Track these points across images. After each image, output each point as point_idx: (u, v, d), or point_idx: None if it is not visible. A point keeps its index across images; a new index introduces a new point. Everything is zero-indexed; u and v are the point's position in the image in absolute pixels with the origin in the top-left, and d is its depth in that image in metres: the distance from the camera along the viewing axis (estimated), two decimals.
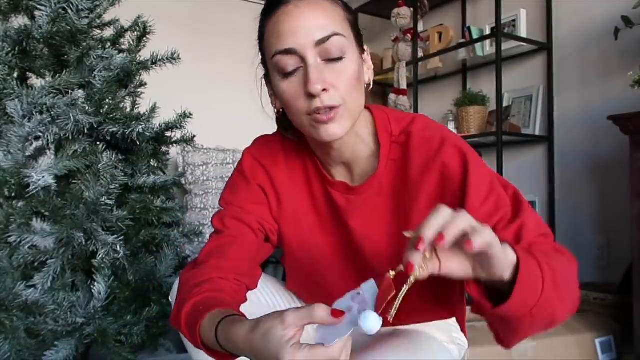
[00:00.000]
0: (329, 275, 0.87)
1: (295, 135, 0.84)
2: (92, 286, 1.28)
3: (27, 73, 1.45)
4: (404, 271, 0.52)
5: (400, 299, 0.52)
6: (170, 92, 1.87)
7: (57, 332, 1.25)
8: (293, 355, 0.50)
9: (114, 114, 1.37)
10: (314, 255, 0.86)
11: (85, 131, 1.33)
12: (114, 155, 1.32)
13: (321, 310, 0.52)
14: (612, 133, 1.72)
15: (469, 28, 2.53)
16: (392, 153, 0.79)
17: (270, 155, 0.87)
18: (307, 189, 0.85)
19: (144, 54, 1.53)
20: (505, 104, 2.45)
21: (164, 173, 1.57)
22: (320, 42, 0.69)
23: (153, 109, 1.52)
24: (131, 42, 1.56)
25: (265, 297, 0.92)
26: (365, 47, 0.80)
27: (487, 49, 2.53)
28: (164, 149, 1.61)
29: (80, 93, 1.34)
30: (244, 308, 0.73)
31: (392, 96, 2.71)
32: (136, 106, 1.59)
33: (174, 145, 1.64)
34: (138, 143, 1.42)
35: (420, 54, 2.70)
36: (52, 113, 1.28)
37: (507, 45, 2.35)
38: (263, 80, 0.82)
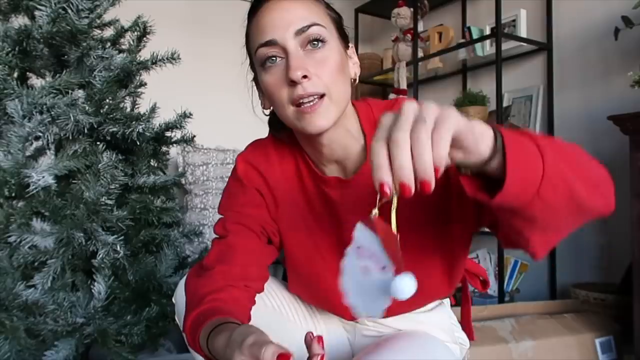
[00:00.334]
0: (328, 277, 0.86)
1: (286, 136, 0.85)
2: (92, 286, 1.28)
3: (27, 73, 1.45)
4: (380, 194, 0.48)
5: (395, 211, 0.49)
6: (170, 92, 1.87)
7: (57, 332, 1.25)
8: None
9: (114, 114, 1.37)
10: (312, 256, 0.86)
11: (85, 131, 1.33)
12: (114, 155, 1.32)
13: (268, 353, 0.53)
14: (612, 133, 1.72)
15: (469, 28, 2.53)
16: None
17: (263, 158, 0.87)
18: (301, 189, 0.85)
19: (144, 54, 1.53)
20: (505, 104, 2.44)
21: (164, 173, 1.57)
22: (300, 31, 0.70)
23: (153, 109, 1.52)
24: (131, 42, 1.56)
25: (270, 300, 0.92)
26: (350, 45, 0.80)
27: (487, 49, 2.53)
28: (164, 149, 1.61)
29: (80, 93, 1.34)
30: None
31: (392, 96, 2.71)
32: (136, 106, 1.59)
33: (174, 145, 1.64)
34: (138, 143, 1.42)
35: (420, 54, 2.70)
36: (52, 113, 1.28)
37: (507, 45, 2.35)
38: (253, 83, 0.83)
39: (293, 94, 0.70)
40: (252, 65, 0.79)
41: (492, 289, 2.40)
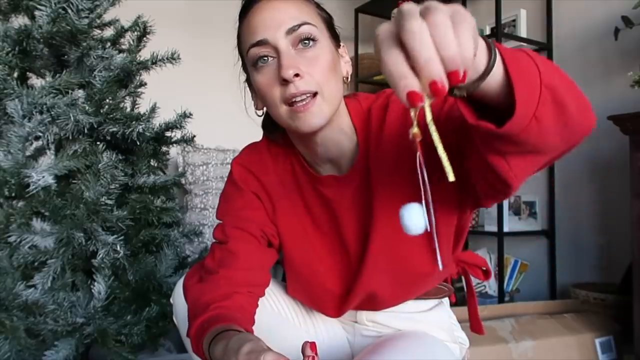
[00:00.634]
0: (326, 279, 0.87)
1: (280, 137, 0.85)
2: (92, 286, 1.28)
3: (27, 73, 1.45)
4: (410, 105, 0.40)
5: (432, 119, 0.41)
6: (170, 92, 1.87)
7: (57, 332, 1.25)
8: None
9: (114, 114, 1.37)
10: (310, 258, 0.86)
11: (85, 131, 1.33)
12: (114, 155, 1.32)
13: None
14: (612, 133, 1.72)
15: None
16: (365, 132, 0.80)
17: (259, 161, 0.87)
18: (297, 192, 0.85)
19: (144, 54, 1.53)
20: None
21: (164, 173, 1.57)
22: (291, 30, 0.70)
23: (153, 109, 1.52)
24: (131, 42, 1.56)
25: (270, 301, 0.92)
26: (342, 44, 0.80)
27: None
28: (164, 149, 1.61)
29: (80, 93, 1.34)
30: None
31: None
32: (136, 106, 1.59)
33: (174, 145, 1.64)
34: (138, 143, 1.42)
35: None
36: (52, 113, 1.28)
37: (507, 45, 2.34)
38: (246, 84, 0.83)
39: (285, 93, 0.70)
40: (244, 66, 0.79)
41: (492, 289, 2.40)
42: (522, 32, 2.38)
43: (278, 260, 0.90)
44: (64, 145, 1.36)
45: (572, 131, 0.53)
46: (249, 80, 0.80)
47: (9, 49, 1.32)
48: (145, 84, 1.57)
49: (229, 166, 0.90)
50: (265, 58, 0.71)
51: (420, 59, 0.38)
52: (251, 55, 0.72)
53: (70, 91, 1.33)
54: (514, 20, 2.42)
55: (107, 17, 1.51)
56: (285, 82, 0.69)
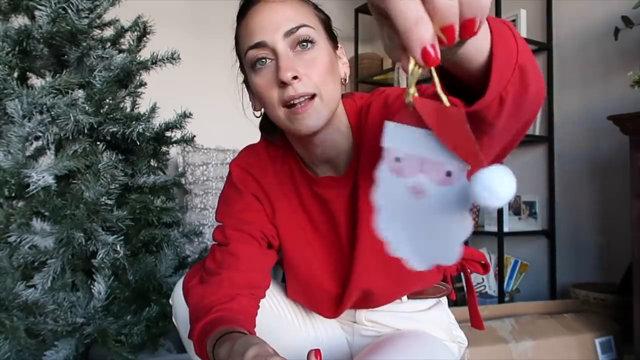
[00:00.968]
0: (324, 280, 0.87)
1: (278, 139, 0.85)
2: (92, 286, 1.28)
3: (27, 73, 1.45)
4: (425, 62, 0.33)
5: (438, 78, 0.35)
6: (170, 92, 1.87)
7: (57, 332, 1.25)
8: None
9: (114, 114, 1.37)
10: (309, 259, 0.86)
11: (85, 131, 1.33)
12: (114, 155, 1.32)
13: None
14: (612, 133, 1.72)
15: None
16: (359, 131, 0.80)
17: (257, 163, 0.87)
18: (295, 193, 0.86)
19: (144, 54, 1.53)
20: None
21: (164, 173, 1.57)
22: (289, 32, 0.70)
23: (153, 109, 1.52)
24: (131, 42, 1.56)
25: (269, 302, 0.92)
26: (340, 45, 0.80)
27: None
28: (164, 149, 1.61)
29: (80, 93, 1.34)
30: None
31: None
32: (136, 106, 1.59)
33: (174, 145, 1.64)
34: (138, 143, 1.42)
35: None
36: (52, 113, 1.28)
37: None
38: (244, 85, 0.83)
39: (284, 95, 0.70)
40: (242, 68, 0.79)
41: (492, 289, 2.40)
42: (522, 32, 2.38)
43: (277, 262, 0.91)
44: (64, 145, 1.36)
45: (518, 118, 0.50)
46: (246, 82, 0.80)
47: (9, 49, 1.32)
48: (145, 84, 1.57)
49: (229, 167, 0.90)
50: (264, 60, 0.71)
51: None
52: (249, 57, 0.72)
53: (70, 91, 1.33)
54: (514, 20, 2.42)
55: (107, 17, 1.51)
56: (283, 84, 0.69)
